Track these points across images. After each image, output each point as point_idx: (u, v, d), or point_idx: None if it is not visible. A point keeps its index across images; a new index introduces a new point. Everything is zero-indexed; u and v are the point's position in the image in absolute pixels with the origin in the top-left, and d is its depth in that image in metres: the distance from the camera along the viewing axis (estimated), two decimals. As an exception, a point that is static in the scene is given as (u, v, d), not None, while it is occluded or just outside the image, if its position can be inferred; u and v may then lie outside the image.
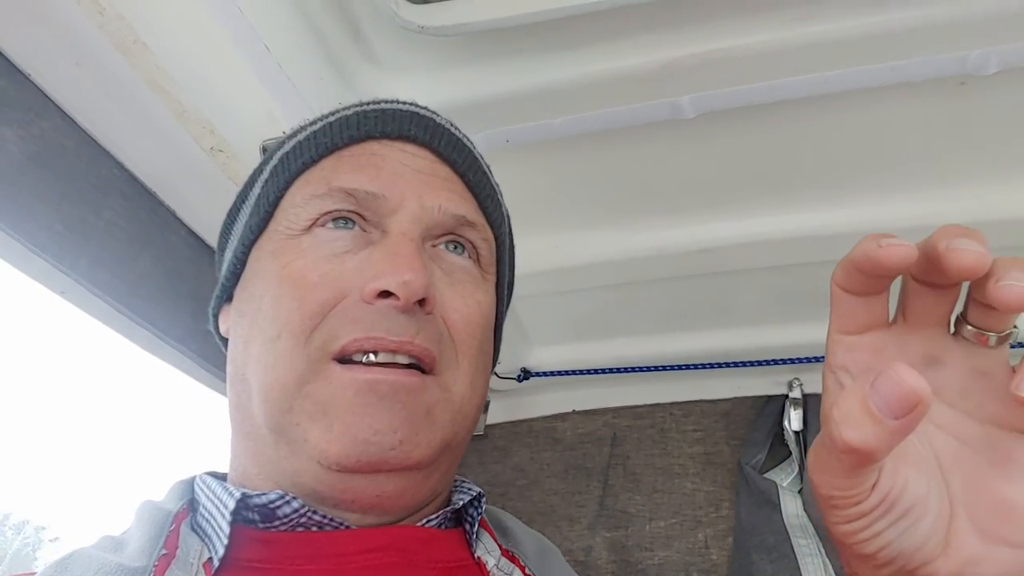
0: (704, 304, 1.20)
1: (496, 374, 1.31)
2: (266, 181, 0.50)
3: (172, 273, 0.81)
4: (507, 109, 0.77)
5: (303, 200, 0.48)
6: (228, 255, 0.53)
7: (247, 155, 0.85)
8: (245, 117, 0.80)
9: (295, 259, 0.46)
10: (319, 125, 0.51)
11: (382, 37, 0.71)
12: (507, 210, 0.58)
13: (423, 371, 0.45)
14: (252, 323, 0.46)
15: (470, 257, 0.51)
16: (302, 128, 0.53)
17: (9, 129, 0.65)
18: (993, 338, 0.33)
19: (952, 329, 0.35)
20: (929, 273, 0.33)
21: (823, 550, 1.23)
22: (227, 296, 0.52)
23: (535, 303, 1.16)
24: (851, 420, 0.28)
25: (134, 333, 0.77)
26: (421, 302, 0.44)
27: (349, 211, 0.47)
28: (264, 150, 0.80)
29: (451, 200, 0.49)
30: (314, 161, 0.49)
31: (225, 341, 0.53)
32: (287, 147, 0.51)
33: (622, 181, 0.94)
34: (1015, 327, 0.33)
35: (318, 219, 0.47)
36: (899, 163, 0.88)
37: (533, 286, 1.07)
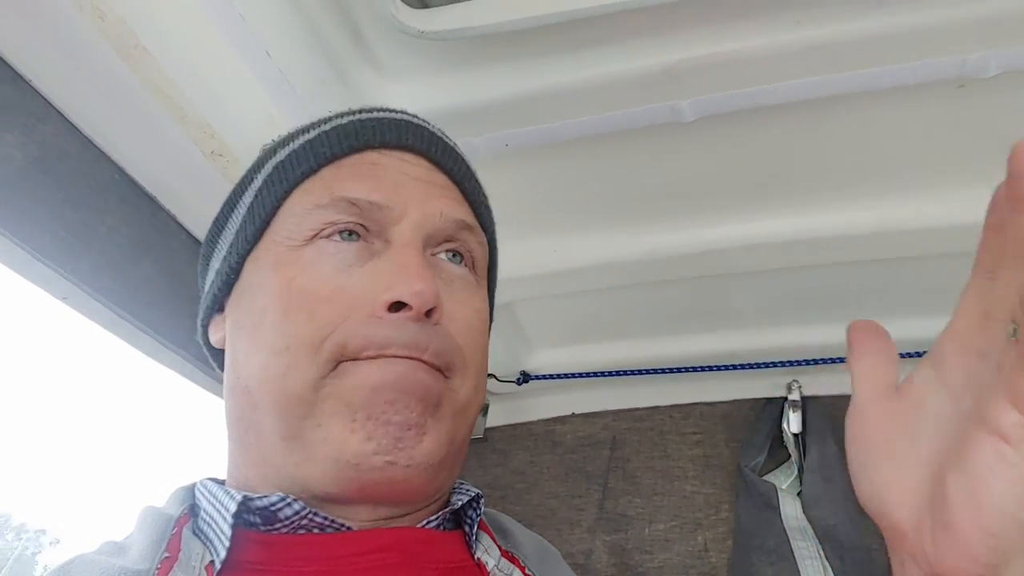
0: (703, 306, 1.20)
1: (495, 377, 1.31)
2: (260, 189, 0.50)
3: (173, 278, 0.81)
4: (507, 113, 0.77)
5: (304, 210, 0.47)
6: (217, 264, 0.52)
7: (247, 159, 0.84)
8: (246, 121, 0.80)
9: (300, 272, 0.46)
10: (314, 133, 0.51)
11: (382, 42, 0.71)
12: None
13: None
14: (254, 336, 0.46)
15: (466, 265, 0.51)
16: (294, 136, 0.52)
17: (10, 134, 0.65)
18: None
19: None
20: None
21: (822, 552, 1.23)
22: (218, 307, 0.52)
23: (535, 306, 1.16)
24: None
25: (136, 338, 0.77)
26: (430, 312, 0.45)
27: (353, 222, 0.47)
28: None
29: (450, 206, 0.50)
30: (313, 171, 0.49)
31: (215, 352, 0.53)
32: (281, 155, 0.51)
33: (621, 184, 0.94)
34: None
35: (322, 230, 0.47)
36: (898, 166, 0.88)
37: (533, 289, 1.07)
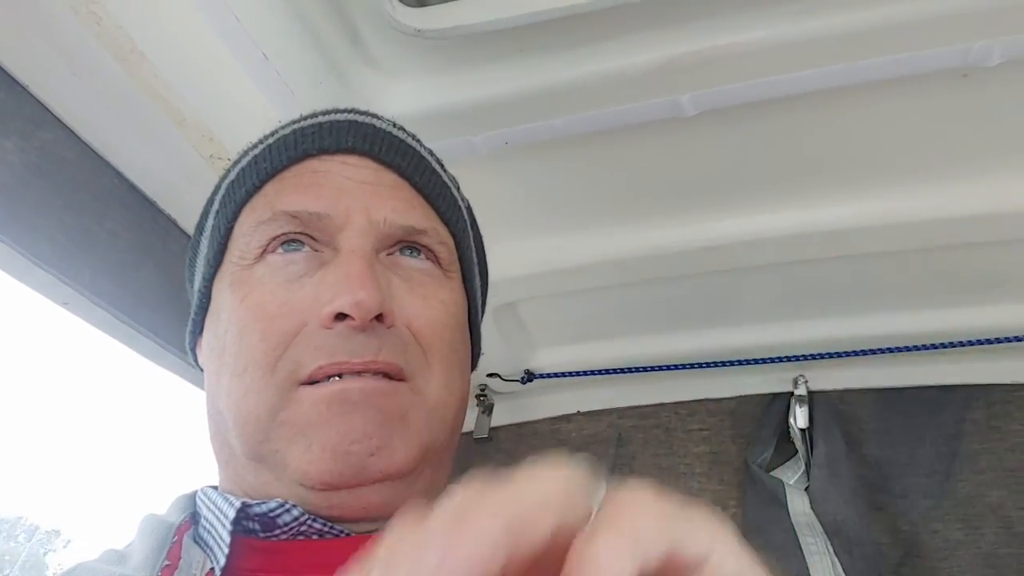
0: (708, 302, 1.20)
1: (500, 376, 1.30)
2: (216, 212, 0.50)
3: (174, 281, 0.81)
4: (506, 110, 0.77)
5: (250, 228, 0.47)
6: (194, 287, 0.53)
7: (247, 162, 0.85)
8: (244, 124, 0.80)
9: (252, 290, 0.45)
10: (259, 149, 0.50)
11: (379, 41, 0.71)
12: (466, 202, 0.57)
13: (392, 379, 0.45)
14: (219, 357, 0.46)
15: (427, 259, 0.50)
16: (245, 152, 0.52)
17: (9, 141, 0.65)
18: None
19: None
20: None
21: (831, 548, 1.22)
22: (199, 329, 0.52)
23: (538, 304, 1.16)
24: None
25: (137, 342, 0.77)
26: (379, 317, 0.44)
27: (297, 233, 0.46)
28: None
29: (397, 210, 0.48)
30: (256, 188, 0.48)
31: (197, 367, 0.54)
32: (231, 176, 0.51)
33: (623, 180, 0.94)
34: None
35: (267, 245, 0.46)
36: (902, 157, 0.87)
37: (536, 288, 1.06)
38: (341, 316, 0.43)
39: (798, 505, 1.28)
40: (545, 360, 1.32)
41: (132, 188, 0.79)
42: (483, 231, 0.90)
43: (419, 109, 0.76)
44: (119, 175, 0.77)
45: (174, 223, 0.84)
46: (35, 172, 0.67)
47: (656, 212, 0.98)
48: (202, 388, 0.50)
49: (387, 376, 0.44)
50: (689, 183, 0.93)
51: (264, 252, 0.46)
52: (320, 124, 0.50)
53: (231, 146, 0.83)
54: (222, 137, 0.82)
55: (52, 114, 0.70)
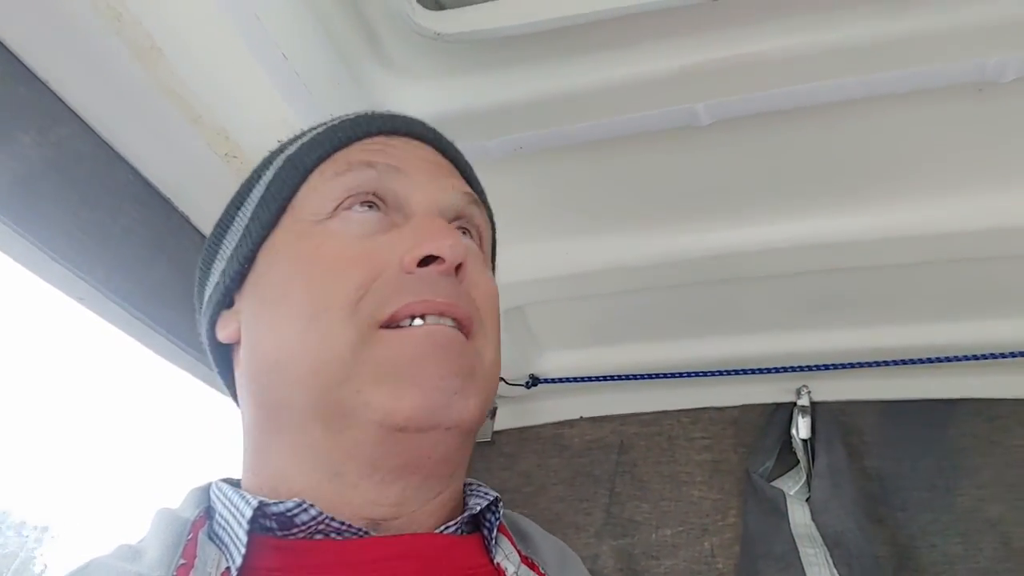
0: (713, 311, 1.20)
1: (504, 380, 1.30)
2: (272, 181, 0.50)
3: (186, 279, 0.81)
4: (521, 115, 0.77)
5: (324, 181, 0.49)
6: (222, 265, 0.52)
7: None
8: (260, 123, 0.80)
9: (326, 240, 0.47)
10: (322, 128, 0.52)
11: (397, 43, 0.71)
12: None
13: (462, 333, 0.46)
14: (278, 308, 0.46)
15: (475, 241, 0.53)
16: (299, 136, 0.54)
17: (27, 135, 0.65)
18: None
19: None
20: None
21: (831, 559, 1.22)
22: (227, 302, 0.51)
23: (545, 309, 1.16)
24: None
25: (150, 339, 0.77)
26: (457, 269, 0.46)
27: (371, 193, 0.48)
28: (277, 155, 0.81)
29: (456, 187, 0.52)
30: (328, 154, 0.51)
31: (220, 351, 0.52)
32: (291, 150, 0.52)
33: (634, 187, 0.94)
34: None
35: (343, 201, 0.48)
36: (915, 169, 0.88)
37: (543, 292, 1.07)
38: (425, 262, 0.45)
39: (799, 516, 1.27)
40: (550, 365, 1.32)
41: (146, 184, 0.79)
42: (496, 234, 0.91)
43: (435, 111, 0.76)
44: (134, 171, 0.77)
45: (187, 220, 0.84)
46: (52, 166, 0.67)
47: (666, 220, 0.98)
48: (212, 387, 0.49)
49: (459, 328, 0.45)
50: (700, 192, 0.94)
51: (338, 208, 0.48)
52: (384, 113, 0.53)
53: (246, 145, 0.83)
54: (237, 136, 0.83)
55: (69, 109, 0.70)
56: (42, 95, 0.68)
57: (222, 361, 0.54)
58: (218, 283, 0.52)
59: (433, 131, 0.55)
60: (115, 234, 0.72)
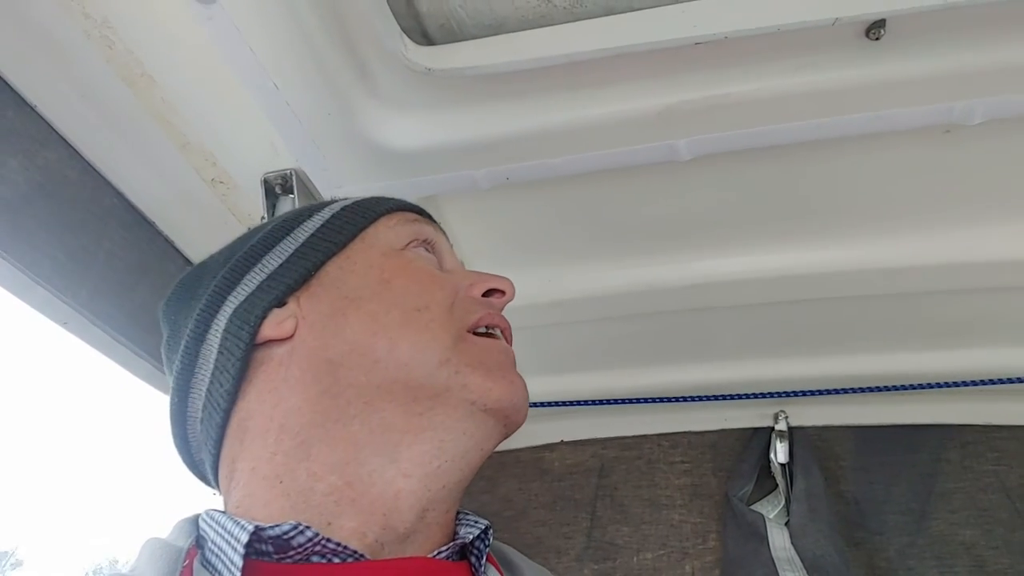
0: (692, 338, 1.22)
1: (486, 404, 1.31)
2: (337, 215, 0.58)
3: (170, 303, 0.81)
4: (508, 148, 0.78)
5: (394, 225, 0.58)
6: (261, 277, 0.53)
7: (247, 187, 0.85)
8: (247, 150, 0.81)
9: (412, 261, 0.56)
10: (371, 196, 0.63)
11: (388, 77, 0.72)
12: None
13: None
14: (370, 302, 0.52)
15: None
16: (343, 199, 0.63)
17: (14, 159, 0.65)
18: None
19: None
20: None
21: (809, 583, 1.23)
22: (279, 301, 0.52)
23: (526, 335, 1.16)
24: None
25: (132, 364, 0.77)
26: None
27: (428, 242, 0.60)
28: (265, 182, 0.81)
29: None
30: (391, 210, 0.60)
31: (245, 341, 0.50)
32: (348, 202, 0.60)
33: (616, 218, 0.96)
34: None
35: (411, 242, 0.58)
36: (886, 207, 0.91)
37: (525, 318, 1.07)
38: (488, 294, 0.57)
39: (778, 540, 1.29)
40: (531, 389, 1.32)
41: (132, 208, 0.79)
42: (480, 261, 0.95)
43: (424, 143, 0.77)
44: (120, 195, 0.77)
45: (171, 244, 0.84)
46: (38, 191, 0.67)
47: (647, 250, 1.00)
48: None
49: None
50: (679, 224, 0.96)
51: (407, 245, 0.58)
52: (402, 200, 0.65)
53: (234, 171, 0.83)
54: (224, 161, 0.83)
55: (57, 133, 0.70)
56: (30, 120, 0.68)
57: (247, 357, 0.51)
58: (266, 287, 0.52)
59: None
60: (99, 258, 0.72)
